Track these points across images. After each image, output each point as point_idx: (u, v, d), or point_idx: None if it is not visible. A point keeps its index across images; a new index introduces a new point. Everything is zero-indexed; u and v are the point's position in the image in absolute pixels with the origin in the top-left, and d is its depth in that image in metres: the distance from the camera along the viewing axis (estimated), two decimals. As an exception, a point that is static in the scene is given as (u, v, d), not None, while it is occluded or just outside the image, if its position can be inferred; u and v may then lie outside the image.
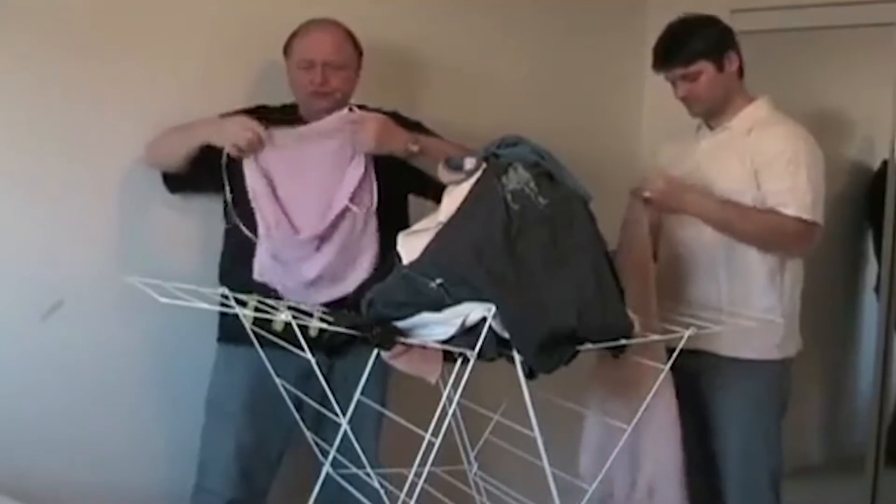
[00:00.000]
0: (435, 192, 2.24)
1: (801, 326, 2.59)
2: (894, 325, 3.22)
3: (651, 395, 2.08)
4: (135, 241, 2.58)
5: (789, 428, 2.59)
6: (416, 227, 2.20)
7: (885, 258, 3.20)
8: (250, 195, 2.35)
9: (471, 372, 1.96)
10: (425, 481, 2.01)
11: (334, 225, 2.36)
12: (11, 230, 2.40)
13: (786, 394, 2.57)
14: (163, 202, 2.58)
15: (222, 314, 2.36)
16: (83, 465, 2.48)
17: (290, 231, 2.34)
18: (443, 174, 2.18)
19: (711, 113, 2.56)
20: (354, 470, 2.24)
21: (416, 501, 2.00)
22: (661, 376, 2.07)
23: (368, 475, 2.17)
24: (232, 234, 2.44)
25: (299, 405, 2.35)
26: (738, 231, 2.43)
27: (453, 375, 1.97)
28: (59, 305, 2.44)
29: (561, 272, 1.98)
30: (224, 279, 2.41)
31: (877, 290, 3.27)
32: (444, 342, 1.99)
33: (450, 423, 2.01)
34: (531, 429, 1.99)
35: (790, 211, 2.38)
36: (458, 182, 2.13)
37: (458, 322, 1.95)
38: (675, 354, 2.11)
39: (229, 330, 2.44)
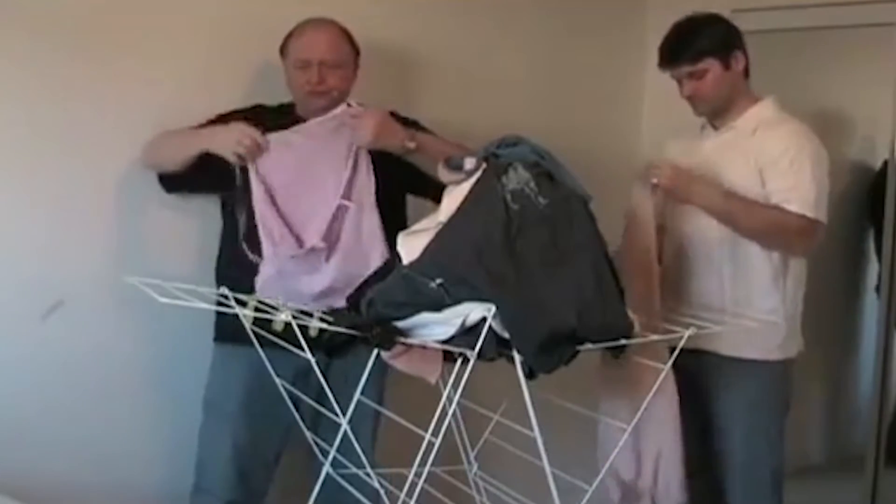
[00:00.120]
0: (434, 191, 2.23)
1: (802, 326, 2.58)
2: (894, 325, 3.22)
3: (651, 394, 2.08)
4: (134, 241, 2.58)
5: (789, 428, 2.58)
6: (416, 227, 2.20)
7: (886, 258, 3.20)
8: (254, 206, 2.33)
9: (471, 372, 1.96)
10: (425, 481, 2.01)
11: (333, 228, 2.35)
12: (11, 230, 2.40)
13: (788, 394, 2.57)
14: (163, 202, 2.57)
15: (218, 313, 2.35)
16: (83, 465, 2.48)
17: (295, 245, 2.33)
18: (443, 174, 2.18)
19: (717, 112, 2.56)
20: (354, 470, 2.24)
21: (416, 501, 2.00)
22: (662, 375, 2.07)
23: (368, 475, 2.17)
24: (229, 236, 2.44)
25: (296, 405, 2.35)
26: (741, 225, 2.42)
27: (453, 375, 1.97)
28: (58, 305, 2.44)
29: (561, 272, 1.98)
30: (221, 281, 2.41)
31: (878, 289, 3.27)
32: (444, 342, 1.99)
33: (450, 423, 2.01)
34: (531, 429, 1.99)
35: (794, 208, 2.38)
36: (458, 182, 2.13)
37: (458, 322, 1.95)
38: (675, 354, 2.11)
39: (225, 329, 2.45)
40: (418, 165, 2.42)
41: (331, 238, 2.35)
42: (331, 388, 2.14)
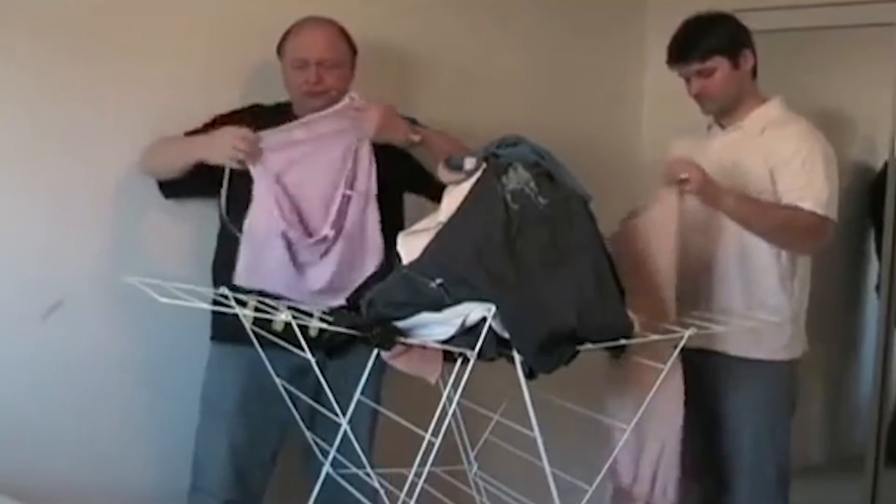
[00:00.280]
0: (435, 190, 2.23)
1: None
2: (895, 325, 3.22)
3: (651, 394, 2.07)
4: (134, 241, 2.58)
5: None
6: (416, 227, 2.20)
7: (886, 258, 3.20)
8: (266, 199, 2.33)
9: (471, 372, 1.96)
10: (425, 481, 2.01)
11: (338, 217, 2.35)
12: (11, 230, 2.40)
13: (793, 394, 2.58)
14: (162, 203, 2.57)
15: (215, 313, 2.35)
16: (83, 465, 2.48)
17: (304, 234, 2.33)
18: (443, 174, 2.18)
19: (724, 111, 2.56)
20: (354, 470, 2.24)
21: (416, 501, 2.00)
22: (662, 376, 2.07)
23: (368, 475, 2.17)
24: (225, 238, 2.44)
25: (293, 405, 2.35)
26: (757, 225, 2.41)
27: (453, 375, 1.97)
28: (58, 305, 2.44)
29: (561, 272, 1.98)
30: (218, 281, 2.40)
31: (878, 289, 3.28)
32: (444, 342, 1.99)
33: (450, 423, 2.01)
34: (531, 429, 1.99)
35: (807, 206, 2.38)
36: (458, 182, 2.13)
37: (458, 322, 1.95)
38: (675, 354, 2.11)
39: (221, 329, 2.45)
40: (421, 162, 2.42)
41: (335, 227, 2.35)
42: (330, 388, 2.14)
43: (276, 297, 2.30)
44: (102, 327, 2.52)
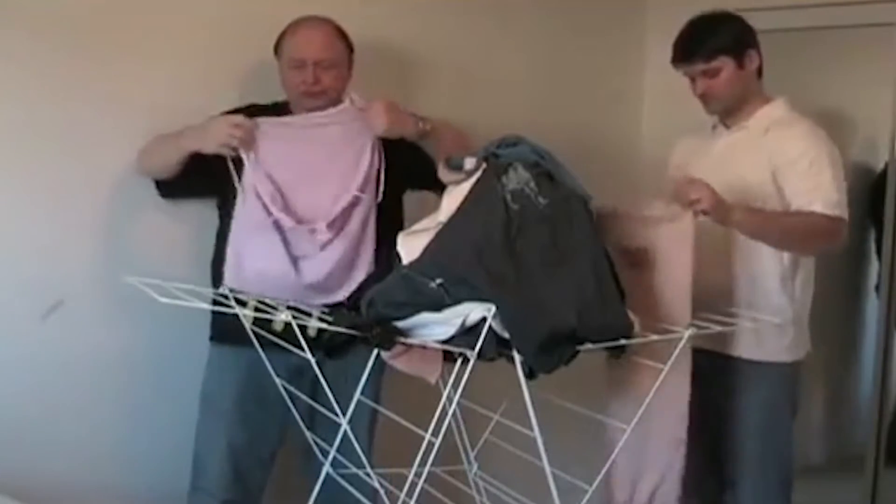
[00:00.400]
0: (441, 184, 2.23)
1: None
2: (895, 325, 3.22)
3: (651, 394, 2.07)
4: (133, 241, 2.58)
5: (790, 428, 2.59)
6: (416, 227, 2.20)
7: (886, 258, 3.20)
8: (258, 192, 2.33)
9: (471, 372, 1.96)
10: (425, 481, 2.01)
11: (342, 216, 2.35)
12: (11, 230, 2.40)
13: (796, 395, 2.57)
14: (161, 203, 2.57)
15: (214, 312, 2.35)
16: (83, 465, 2.48)
17: (297, 223, 2.33)
18: (443, 174, 2.18)
19: (728, 111, 2.55)
20: (354, 469, 2.24)
21: (416, 501, 2.00)
22: (661, 376, 2.06)
23: (368, 475, 2.17)
24: (224, 237, 2.44)
25: (292, 404, 2.35)
26: (770, 236, 2.38)
27: (453, 375, 1.97)
28: (58, 305, 2.44)
29: (561, 272, 1.98)
30: (217, 282, 2.40)
31: (878, 289, 3.27)
32: (444, 342, 1.99)
33: (450, 423, 2.01)
34: (531, 429, 1.99)
35: (818, 209, 2.36)
36: (458, 182, 2.13)
37: (458, 322, 1.96)
38: (674, 354, 2.10)
39: (220, 329, 2.45)
40: (429, 154, 2.43)
41: (335, 228, 2.35)
42: (329, 388, 2.14)
43: (271, 298, 2.29)
44: (102, 327, 2.52)
